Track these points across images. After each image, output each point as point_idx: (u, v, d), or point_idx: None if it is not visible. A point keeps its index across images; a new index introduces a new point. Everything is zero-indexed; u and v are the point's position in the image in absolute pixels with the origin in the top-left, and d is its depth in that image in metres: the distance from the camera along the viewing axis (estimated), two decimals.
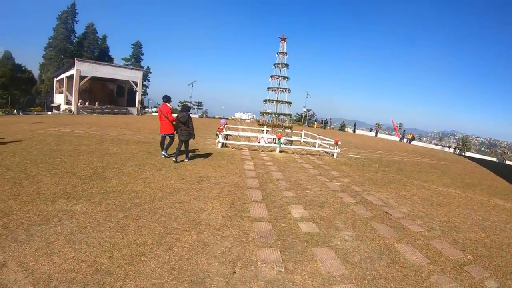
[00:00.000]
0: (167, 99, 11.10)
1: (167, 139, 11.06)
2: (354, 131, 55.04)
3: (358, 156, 17.22)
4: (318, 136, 18.43)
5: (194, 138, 10.91)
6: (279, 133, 16.63)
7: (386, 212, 7.06)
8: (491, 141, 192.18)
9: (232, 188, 7.64)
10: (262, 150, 15.06)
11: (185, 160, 10.58)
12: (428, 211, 7.69)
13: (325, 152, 16.35)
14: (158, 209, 5.69)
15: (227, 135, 16.06)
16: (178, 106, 48.33)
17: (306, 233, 5.33)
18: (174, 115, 10.91)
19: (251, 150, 14.97)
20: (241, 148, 15.07)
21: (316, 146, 17.63)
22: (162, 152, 10.91)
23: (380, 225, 6.11)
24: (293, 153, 15.44)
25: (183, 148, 10.65)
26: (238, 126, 25.30)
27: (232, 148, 14.80)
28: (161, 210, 5.63)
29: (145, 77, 73.09)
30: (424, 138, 69.76)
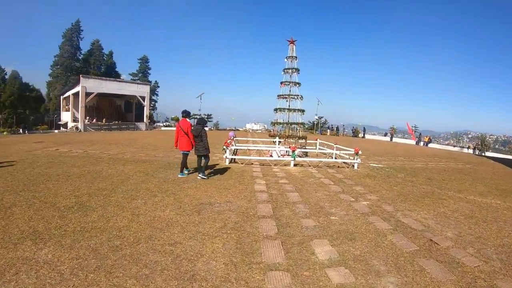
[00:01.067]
0: (186, 114, 10.58)
1: (184, 156, 10.31)
2: (363, 136, 53.31)
3: (379, 165, 15.75)
4: (335, 146, 16.97)
5: (208, 153, 10.22)
6: (293, 145, 15.31)
7: (431, 240, 5.68)
8: (506, 138, 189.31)
9: (240, 218, 6.24)
10: (275, 165, 13.59)
11: (199, 176, 9.88)
12: (476, 232, 6.35)
13: (345, 163, 14.84)
14: (141, 255, 4.38)
15: (236, 149, 14.60)
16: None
17: (339, 285, 3.94)
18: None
19: (263, 165, 13.58)
20: (252, 163, 13.71)
21: (334, 157, 16.17)
22: (185, 171, 10.43)
23: (429, 262, 4.73)
24: (309, 166, 13.92)
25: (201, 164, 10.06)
26: (249, 139, 23.74)
27: (242, 163, 13.42)
28: (146, 257, 4.31)
29: (153, 92, 72.73)
30: (437, 140, 67.43)
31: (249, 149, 16.03)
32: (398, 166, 16.29)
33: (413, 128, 56.30)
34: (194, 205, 6.88)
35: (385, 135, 56.44)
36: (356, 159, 14.27)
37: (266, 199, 7.78)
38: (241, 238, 5.21)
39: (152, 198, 7.22)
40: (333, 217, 6.65)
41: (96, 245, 4.59)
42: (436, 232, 6.18)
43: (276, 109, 17.64)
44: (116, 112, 48.73)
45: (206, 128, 14.01)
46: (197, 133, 9.91)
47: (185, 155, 10.29)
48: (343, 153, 15.87)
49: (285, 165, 13.71)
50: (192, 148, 10.19)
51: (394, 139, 51.04)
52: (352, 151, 14.57)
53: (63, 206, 6.35)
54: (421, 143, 45.55)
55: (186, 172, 10.48)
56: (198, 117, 49.59)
